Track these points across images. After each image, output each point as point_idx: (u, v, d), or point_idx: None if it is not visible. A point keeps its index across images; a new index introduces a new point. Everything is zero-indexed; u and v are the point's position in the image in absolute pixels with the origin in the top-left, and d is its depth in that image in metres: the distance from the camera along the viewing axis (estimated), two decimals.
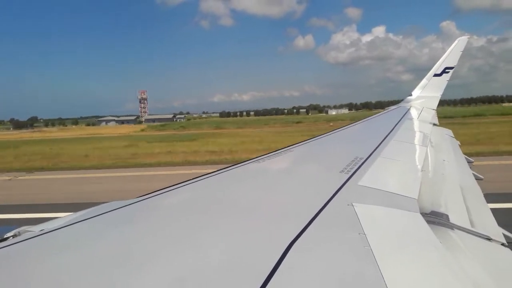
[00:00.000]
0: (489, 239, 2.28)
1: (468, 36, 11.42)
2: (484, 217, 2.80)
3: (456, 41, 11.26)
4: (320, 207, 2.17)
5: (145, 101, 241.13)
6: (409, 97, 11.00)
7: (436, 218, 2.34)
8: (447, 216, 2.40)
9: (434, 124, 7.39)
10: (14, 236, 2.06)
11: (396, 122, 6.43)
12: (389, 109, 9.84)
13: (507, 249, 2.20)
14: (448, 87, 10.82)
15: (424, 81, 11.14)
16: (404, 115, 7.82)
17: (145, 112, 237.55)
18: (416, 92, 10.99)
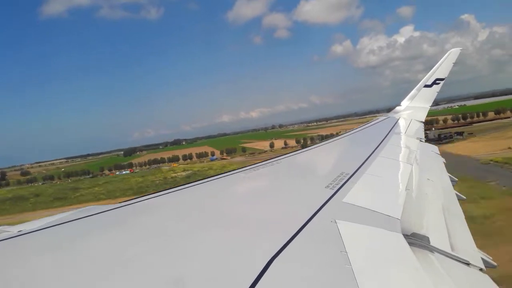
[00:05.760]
0: (467, 264, 2.31)
1: (461, 48, 11.42)
2: (464, 240, 2.83)
3: (448, 53, 11.07)
4: (303, 222, 2.16)
5: None
6: (398, 107, 10.58)
7: (417, 240, 2.35)
8: (427, 238, 2.41)
9: (421, 140, 7.45)
10: None
11: (384, 136, 6.44)
12: (378, 120, 9.73)
13: (485, 275, 2.23)
14: None
15: (414, 91, 10.73)
16: (392, 128, 7.74)
17: None
18: (405, 103, 10.63)
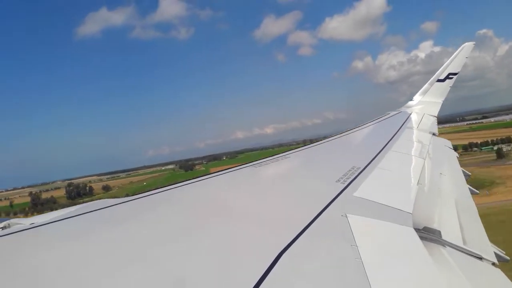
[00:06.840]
0: (480, 258, 2.30)
1: (474, 43, 11.18)
2: (476, 234, 2.82)
3: (461, 47, 10.83)
4: (314, 216, 2.18)
5: None
6: (410, 102, 10.34)
7: (429, 234, 2.35)
8: (439, 232, 2.41)
9: (433, 134, 7.35)
10: (3, 228, 2.09)
11: (396, 131, 6.36)
12: (390, 114, 9.57)
13: (498, 270, 2.22)
14: None
15: (426, 86, 10.45)
16: (404, 122, 7.62)
17: None
18: (417, 97, 10.49)
